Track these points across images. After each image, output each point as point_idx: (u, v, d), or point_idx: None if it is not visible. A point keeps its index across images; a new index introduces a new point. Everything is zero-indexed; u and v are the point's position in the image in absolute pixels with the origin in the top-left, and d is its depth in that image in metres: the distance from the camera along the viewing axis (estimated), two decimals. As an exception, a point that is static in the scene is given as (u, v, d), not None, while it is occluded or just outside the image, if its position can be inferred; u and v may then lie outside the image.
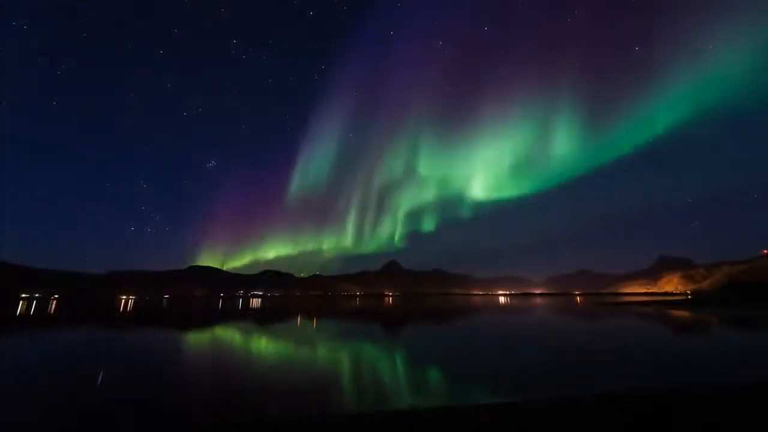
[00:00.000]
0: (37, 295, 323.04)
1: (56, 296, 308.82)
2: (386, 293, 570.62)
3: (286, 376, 14.53)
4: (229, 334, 30.43)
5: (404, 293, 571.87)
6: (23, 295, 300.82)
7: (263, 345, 24.00)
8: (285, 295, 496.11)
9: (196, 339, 27.65)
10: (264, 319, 47.19)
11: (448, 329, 33.52)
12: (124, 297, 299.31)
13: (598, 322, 38.62)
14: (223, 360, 18.82)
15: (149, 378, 14.29)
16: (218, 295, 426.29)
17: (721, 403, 9.33)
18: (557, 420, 8.30)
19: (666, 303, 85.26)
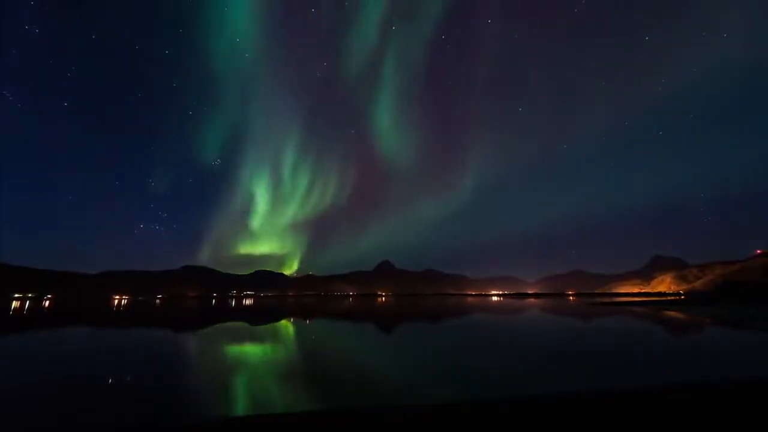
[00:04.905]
0: (30, 295, 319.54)
1: (49, 296, 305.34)
2: (379, 293, 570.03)
3: (276, 374, 14.59)
4: (220, 333, 30.40)
5: (396, 293, 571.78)
6: (16, 295, 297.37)
7: (253, 343, 24.02)
8: (278, 295, 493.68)
9: (184, 338, 27.56)
10: (253, 319, 47.08)
11: (438, 329, 33.60)
12: (117, 297, 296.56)
13: (590, 322, 38.88)
14: (212, 357, 18.82)
15: (133, 374, 14.35)
16: (211, 296, 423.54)
17: (715, 402, 9.50)
18: (553, 418, 8.41)
19: (659, 303, 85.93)
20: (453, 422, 8.26)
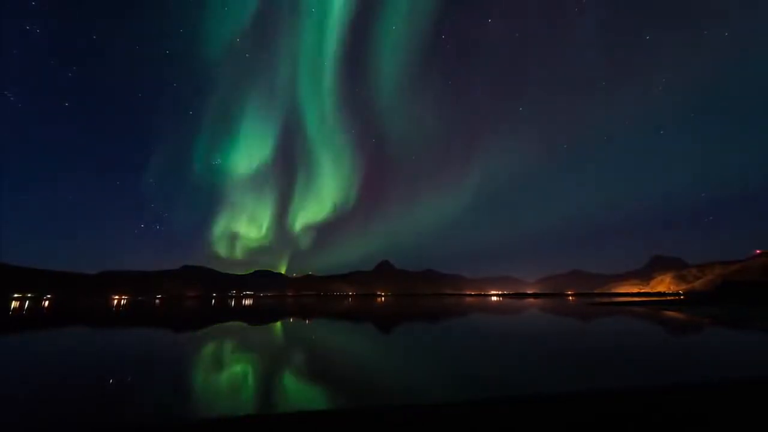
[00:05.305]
0: (29, 295, 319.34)
1: (48, 296, 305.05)
2: (379, 293, 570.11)
3: (275, 374, 14.60)
4: (220, 333, 30.40)
5: (396, 294, 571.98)
6: (15, 295, 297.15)
7: (253, 343, 24.02)
8: (277, 295, 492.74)
9: (184, 338, 27.55)
10: (253, 319, 47.09)
11: (437, 329, 33.59)
12: (117, 297, 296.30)
13: (589, 322, 38.89)
14: (211, 357, 18.81)
15: (133, 374, 14.36)
16: (210, 296, 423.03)
17: (715, 402, 9.51)
18: (553, 418, 8.42)
19: (658, 303, 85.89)
20: (453, 422, 8.26)
